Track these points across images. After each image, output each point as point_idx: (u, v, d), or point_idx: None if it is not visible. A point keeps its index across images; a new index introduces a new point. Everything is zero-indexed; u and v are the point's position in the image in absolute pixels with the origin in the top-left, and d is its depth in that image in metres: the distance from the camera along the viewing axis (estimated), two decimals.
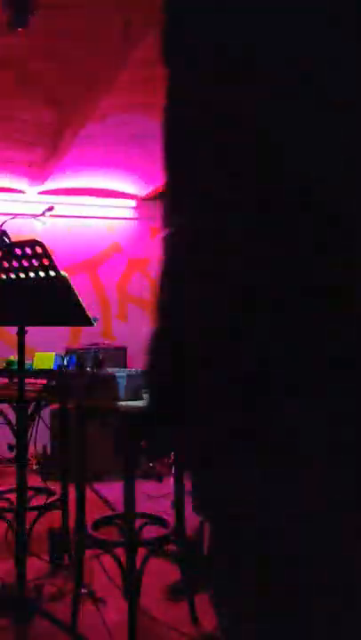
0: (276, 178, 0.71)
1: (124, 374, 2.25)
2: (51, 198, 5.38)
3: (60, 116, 3.64)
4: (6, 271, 2.24)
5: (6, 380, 2.68)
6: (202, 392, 0.78)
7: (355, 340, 0.68)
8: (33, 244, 2.10)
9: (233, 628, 0.83)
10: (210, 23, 0.76)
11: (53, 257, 2.12)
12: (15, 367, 2.47)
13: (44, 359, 2.57)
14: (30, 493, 2.94)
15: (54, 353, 2.57)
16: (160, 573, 2.82)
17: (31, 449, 2.45)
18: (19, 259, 2.17)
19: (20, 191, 5.43)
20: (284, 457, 0.71)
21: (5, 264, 2.21)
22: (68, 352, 2.58)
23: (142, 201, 5.84)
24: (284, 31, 0.71)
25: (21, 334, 2.32)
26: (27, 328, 2.34)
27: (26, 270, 2.20)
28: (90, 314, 2.30)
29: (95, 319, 2.32)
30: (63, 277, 2.17)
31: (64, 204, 5.45)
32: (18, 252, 2.15)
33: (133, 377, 2.28)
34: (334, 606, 0.72)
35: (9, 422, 2.52)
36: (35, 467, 4.51)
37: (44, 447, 4.55)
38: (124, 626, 2.25)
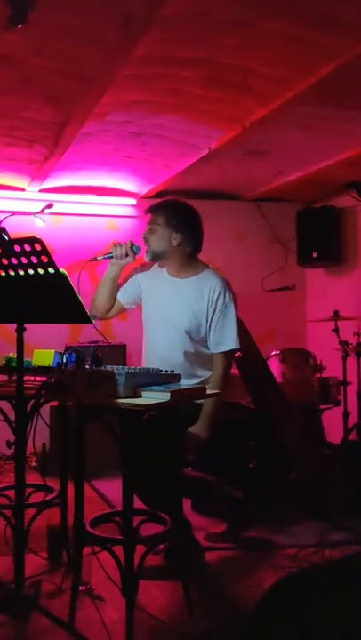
0: None
1: (122, 372, 2.25)
2: (51, 196, 5.37)
3: (60, 114, 3.64)
4: (5, 268, 2.23)
5: (5, 378, 2.68)
6: None
7: None
8: (32, 240, 2.10)
9: None
10: None
11: (52, 254, 2.11)
12: (14, 364, 2.47)
13: (43, 356, 2.57)
14: (29, 490, 2.95)
15: (53, 350, 2.57)
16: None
17: (30, 446, 2.45)
18: (18, 256, 2.17)
19: (20, 189, 5.43)
20: None
21: (4, 261, 2.21)
22: (68, 349, 2.58)
23: (142, 199, 5.83)
24: None
25: (20, 332, 2.32)
26: (26, 325, 2.34)
27: (25, 267, 2.20)
28: (89, 311, 2.31)
29: (94, 317, 2.32)
30: (62, 275, 2.17)
31: (64, 202, 5.45)
32: (17, 248, 2.14)
33: (132, 375, 2.28)
34: None
35: (8, 419, 2.52)
36: (33, 464, 4.51)
37: (43, 444, 4.55)
38: (122, 623, 2.25)
